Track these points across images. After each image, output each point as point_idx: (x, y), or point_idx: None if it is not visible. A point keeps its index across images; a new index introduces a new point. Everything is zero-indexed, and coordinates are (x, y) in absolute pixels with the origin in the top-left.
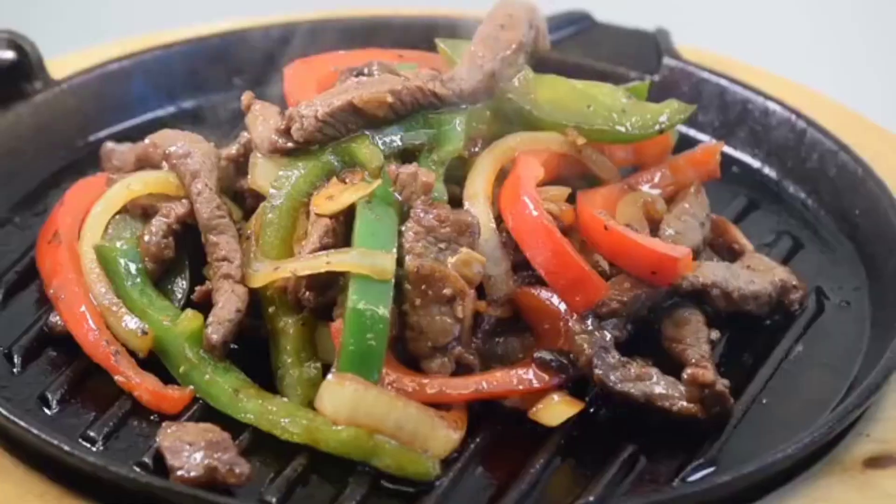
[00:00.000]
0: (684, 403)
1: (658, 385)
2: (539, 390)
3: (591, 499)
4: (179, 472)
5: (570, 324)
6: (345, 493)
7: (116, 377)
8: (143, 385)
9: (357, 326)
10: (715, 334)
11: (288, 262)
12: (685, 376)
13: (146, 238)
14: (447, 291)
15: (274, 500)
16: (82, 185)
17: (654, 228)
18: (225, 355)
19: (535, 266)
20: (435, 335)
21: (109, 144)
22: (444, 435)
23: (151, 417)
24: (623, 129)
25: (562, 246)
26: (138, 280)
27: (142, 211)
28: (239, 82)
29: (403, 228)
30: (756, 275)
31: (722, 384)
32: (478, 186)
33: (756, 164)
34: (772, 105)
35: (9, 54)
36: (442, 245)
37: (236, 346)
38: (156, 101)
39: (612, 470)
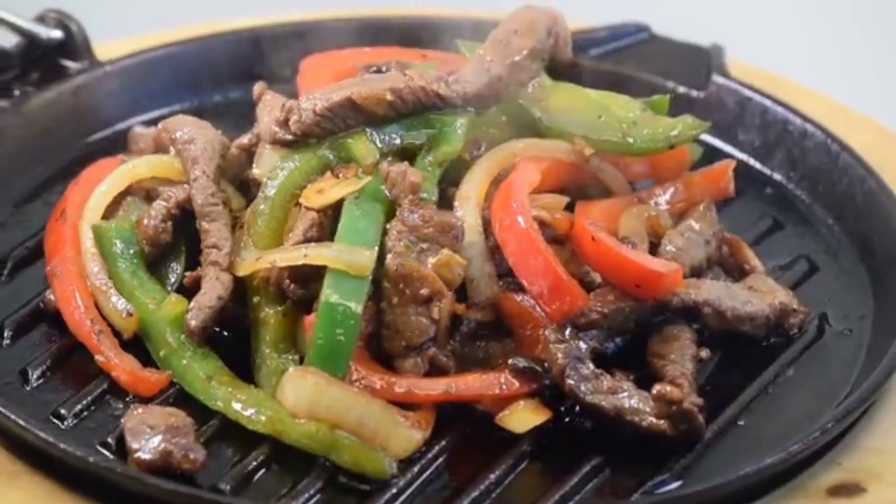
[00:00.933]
0: (653, 419)
1: (630, 399)
2: (510, 396)
3: None
4: (136, 455)
5: (546, 332)
6: (300, 485)
7: (97, 356)
8: (121, 366)
9: (328, 320)
10: (705, 353)
11: (270, 253)
12: (653, 392)
13: (145, 221)
14: (424, 292)
15: (227, 487)
16: (100, 165)
17: (659, 243)
18: (205, 341)
19: (514, 271)
20: (409, 335)
21: (137, 129)
22: (406, 435)
23: (127, 399)
24: (632, 142)
25: (542, 252)
26: (131, 262)
27: (145, 194)
28: (282, 74)
29: (388, 226)
30: (755, 296)
31: (691, 402)
32: (470, 189)
33: (790, 185)
34: (810, 128)
35: (56, 33)
36: (424, 245)
37: (227, 334)
38: (195, 90)
39: (572, 480)
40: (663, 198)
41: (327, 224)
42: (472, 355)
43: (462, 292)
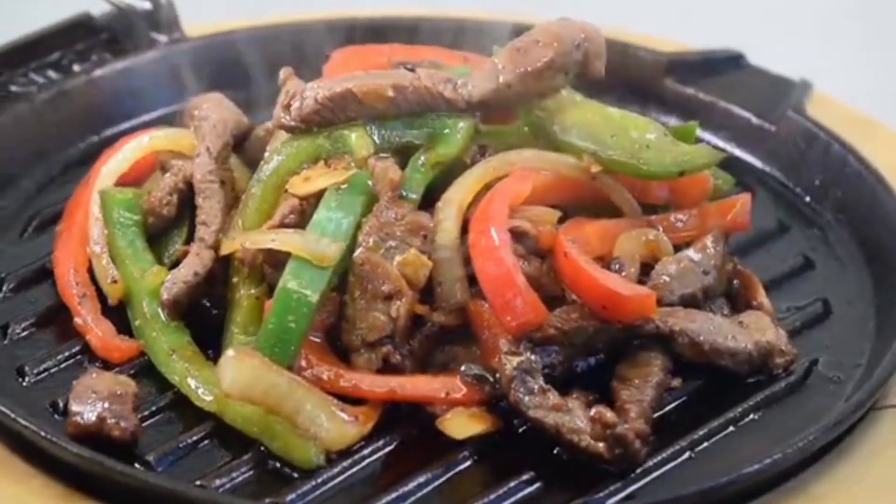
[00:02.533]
0: (591, 441)
1: (572, 419)
2: (457, 402)
3: None
4: (73, 418)
5: (501, 342)
6: (229, 464)
7: (75, 318)
8: (95, 330)
9: (282, 306)
10: (676, 382)
11: (245, 234)
12: (591, 414)
13: (152, 193)
14: (386, 288)
15: (152, 458)
16: (136, 135)
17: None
18: (179, 315)
19: (478, 278)
20: (366, 330)
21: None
22: (339, 428)
23: (97, 364)
24: (640, 164)
25: (502, 261)
26: (129, 230)
27: (160, 167)
28: None
29: (363, 220)
30: (743, 332)
31: (632, 428)
32: (454, 193)
33: (836, 227)
34: (864, 171)
35: (145, 4)
36: (393, 243)
37: (216, 312)
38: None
39: (497, 491)
40: (673, 224)
41: (309, 212)
42: (434, 358)
43: (430, 294)
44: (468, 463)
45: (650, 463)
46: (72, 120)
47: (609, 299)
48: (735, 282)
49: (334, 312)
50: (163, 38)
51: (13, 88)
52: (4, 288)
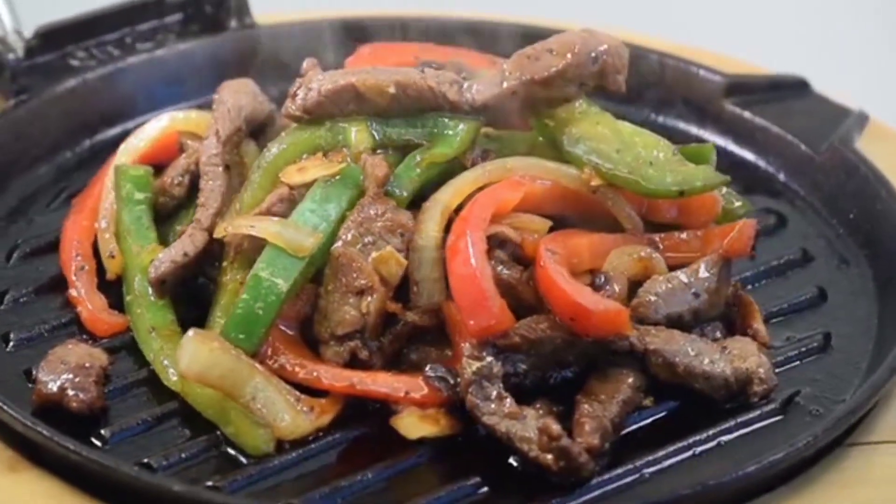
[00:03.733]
0: (539, 452)
1: (525, 428)
2: (415, 401)
3: None
4: (39, 386)
5: (465, 345)
6: (182, 444)
7: (70, 289)
8: (86, 302)
9: (251, 292)
10: (648, 401)
11: (231, 219)
12: (537, 424)
13: (165, 173)
14: (359, 283)
15: (108, 433)
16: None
17: None
18: (166, 294)
19: (449, 280)
20: (335, 323)
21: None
22: (294, 418)
23: (84, 336)
24: (640, 180)
25: (470, 265)
26: (137, 206)
27: (180, 148)
28: None
29: (347, 214)
30: (724, 357)
31: (579, 442)
32: (442, 194)
33: (864, 264)
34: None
35: None
36: (371, 238)
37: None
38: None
39: (438, 493)
40: (676, 245)
41: (299, 202)
42: (409, 357)
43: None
44: (421, 463)
45: (599, 479)
46: (124, 97)
47: (576, 312)
48: (735, 307)
49: (310, 304)
50: (232, 23)
51: (72, 62)
52: (15, 255)
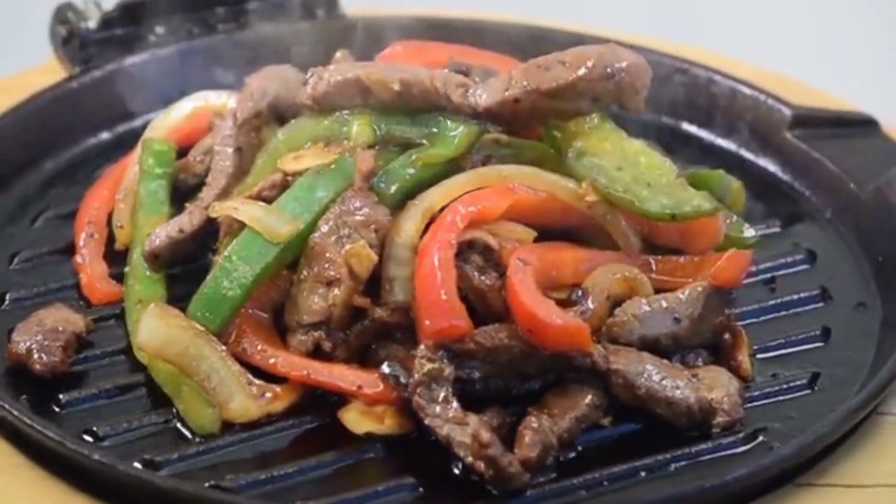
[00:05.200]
0: (473, 459)
1: (464, 433)
2: (367, 396)
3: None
4: (11, 345)
5: (421, 346)
6: (136, 417)
7: (75, 255)
8: (87, 269)
9: (221, 272)
10: (606, 420)
11: (222, 201)
12: (469, 431)
13: (191, 150)
14: (328, 275)
15: (66, 398)
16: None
17: None
18: (160, 268)
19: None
20: (302, 312)
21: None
22: (244, 401)
23: (81, 303)
24: (633, 200)
25: (432, 266)
26: (155, 180)
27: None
28: None
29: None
30: (691, 385)
31: (502, 452)
32: (429, 194)
33: (879, 307)
34: None
35: None
36: (347, 231)
37: None
38: None
39: (368, 489)
40: (671, 269)
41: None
42: (377, 353)
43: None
44: (368, 459)
45: (537, 492)
46: (191, 76)
47: (533, 324)
48: (726, 336)
49: (285, 291)
50: (320, 12)
51: (150, 38)
52: (42, 217)
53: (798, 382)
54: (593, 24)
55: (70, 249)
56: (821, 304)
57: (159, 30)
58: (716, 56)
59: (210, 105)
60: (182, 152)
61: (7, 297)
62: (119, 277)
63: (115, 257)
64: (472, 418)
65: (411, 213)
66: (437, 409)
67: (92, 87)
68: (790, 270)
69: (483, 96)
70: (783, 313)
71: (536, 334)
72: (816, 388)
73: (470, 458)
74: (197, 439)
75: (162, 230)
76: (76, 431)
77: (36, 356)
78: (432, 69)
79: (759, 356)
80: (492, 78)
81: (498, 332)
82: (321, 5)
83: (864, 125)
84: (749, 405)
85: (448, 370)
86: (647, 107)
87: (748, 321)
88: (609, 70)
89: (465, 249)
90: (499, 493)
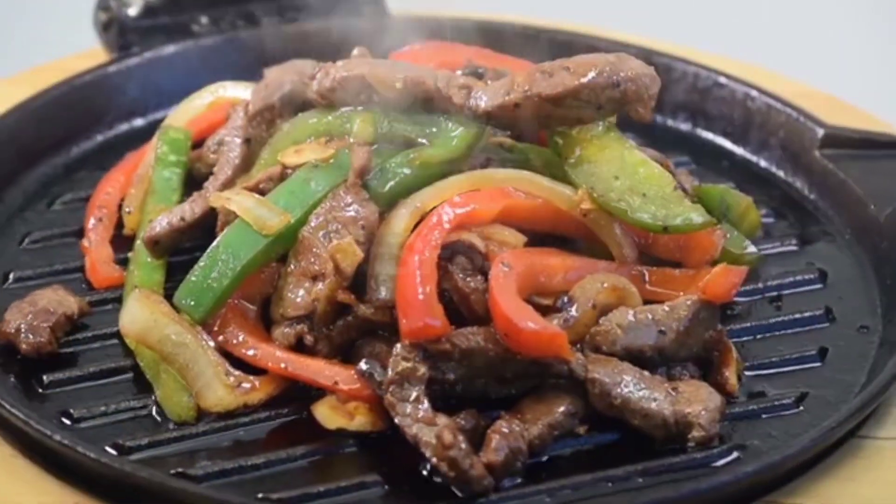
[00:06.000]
0: (437, 459)
1: (431, 434)
2: (343, 392)
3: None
4: (2, 324)
5: (398, 345)
6: (116, 400)
7: (83, 239)
8: (92, 252)
9: (209, 262)
10: (582, 429)
11: (219, 192)
12: (434, 431)
13: (207, 140)
14: (314, 269)
15: (48, 379)
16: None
17: None
18: (160, 255)
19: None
20: (287, 305)
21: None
22: (220, 391)
23: (83, 286)
24: (626, 209)
25: (412, 265)
26: (169, 168)
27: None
28: None
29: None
30: (670, 398)
31: (465, 454)
32: (421, 194)
33: (881, 330)
34: None
35: None
36: (336, 226)
37: None
38: None
39: (330, 484)
40: (662, 280)
41: None
42: (360, 349)
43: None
44: (339, 454)
45: (501, 495)
46: (228, 67)
47: (507, 328)
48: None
49: (273, 283)
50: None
51: (193, 27)
52: (59, 201)
53: (785, 401)
54: (636, 33)
55: (82, 233)
56: (823, 325)
57: (203, 20)
58: (752, 67)
59: (232, 96)
60: (202, 142)
61: (11, 275)
62: (125, 262)
63: (124, 242)
64: (442, 419)
65: (402, 211)
66: (408, 408)
67: (128, 73)
68: (799, 289)
69: (483, 99)
70: (784, 332)
71: (511, 338)
72: (802, 408)
73: (434, 459)
74: (172, 426)
75: (164, 217)
76: (54, 412)
77: (23, 336)
78: (437, 70)
79: (751, 373)
80: (495, 82)
81: (475, 335)
82: (368, 3)
83: (892, 147)
84: (732, 422)
85: (422, 370)
86: (682, 118)
87: (747, 337)
88: (615, 79)
89: (453, 251)
90: (463, 494)
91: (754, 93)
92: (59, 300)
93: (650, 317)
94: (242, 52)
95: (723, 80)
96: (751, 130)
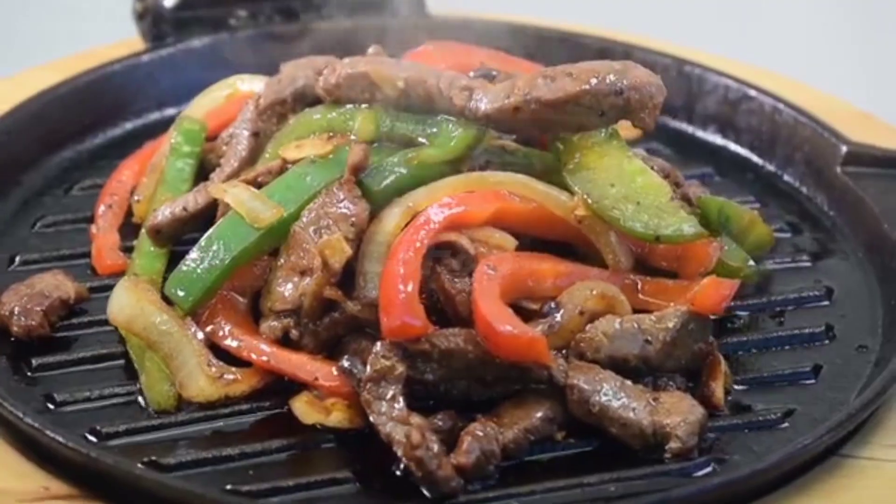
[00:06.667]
0: (406, 459)
1: (402, 434)
2: (322, 387)
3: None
4: None
5: (377, 343)
6: (101, 386)
7: (92, 225)
8: (99, 238)
9: (199, 252)
10: (560, 435)
11: (219, 183)
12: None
13: (222, 132)
14: (302, 264)
15: (36, 363)
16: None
17: None
18: (163, 244)
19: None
20: (274, 299)
21: None
22: (202, 381)
23: (88, 271)
24: (619, 217)
25: (394, 265)
26: (181, 158)
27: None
28: None
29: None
30: (649, 407)
31: (433, 455)
32: (414, 193)
33: (879, 350)
34: None
35: None
36: (327, 222)
37: None
38: None
39: (301, 479)
40: (655, 290)
41: None
42: (347, 346)
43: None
44: (316, 449)
45: (470, 497)
46: (260, 62)
47: (486, 330)
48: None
49: (264, 277)
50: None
51: (231, 21)
52: (76, 187)
53: (770, 416)
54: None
55: (85, 219)
56: (822, 343)
57: (241, 13)
58: (779, 77)
59: (249, 89)
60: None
61: (17, 258)
62: (131, 250)
63: (133, 230)
64: (416, 419)
65: (394, 210)
66: (384, 406)
67: (160, 63)
68: (803, 306)
69: (483, 101)
70: (782, 347)
71: (490, 341)
72: (786, 425)
73: (405, 459)
74: (153, 414)
75: (167, 207)
76: (38, 396)
77: (16, 318)
78: (442, 70)
79: (742, 387)
80: (497, 85)
81: (455, 336)
82: (407, 3)
83: None
84: (715, 435)
85: (400, 369)
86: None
87: (744, 351)
88: (618, 86)
89: (441, 252)
90: (432, 495)
91: (782, 106)
92: (56, 284)
93: (636, 326)
94: (276, 47)
95: (753, 92)
96: (777, 144)
